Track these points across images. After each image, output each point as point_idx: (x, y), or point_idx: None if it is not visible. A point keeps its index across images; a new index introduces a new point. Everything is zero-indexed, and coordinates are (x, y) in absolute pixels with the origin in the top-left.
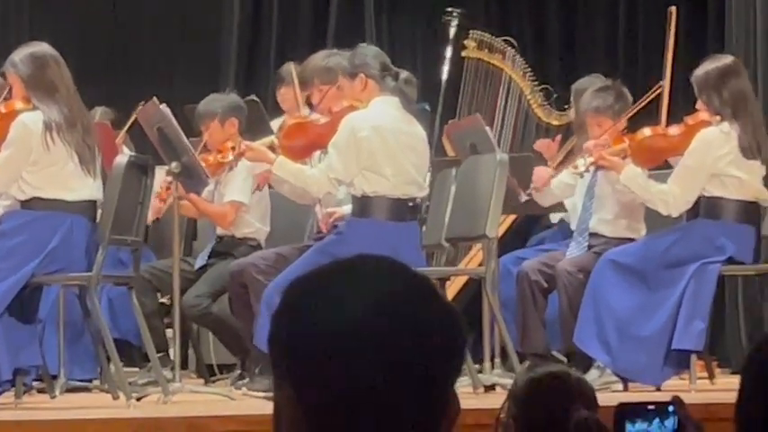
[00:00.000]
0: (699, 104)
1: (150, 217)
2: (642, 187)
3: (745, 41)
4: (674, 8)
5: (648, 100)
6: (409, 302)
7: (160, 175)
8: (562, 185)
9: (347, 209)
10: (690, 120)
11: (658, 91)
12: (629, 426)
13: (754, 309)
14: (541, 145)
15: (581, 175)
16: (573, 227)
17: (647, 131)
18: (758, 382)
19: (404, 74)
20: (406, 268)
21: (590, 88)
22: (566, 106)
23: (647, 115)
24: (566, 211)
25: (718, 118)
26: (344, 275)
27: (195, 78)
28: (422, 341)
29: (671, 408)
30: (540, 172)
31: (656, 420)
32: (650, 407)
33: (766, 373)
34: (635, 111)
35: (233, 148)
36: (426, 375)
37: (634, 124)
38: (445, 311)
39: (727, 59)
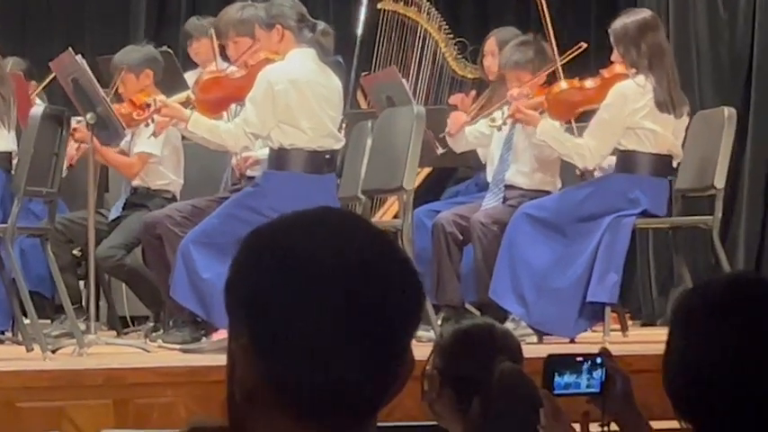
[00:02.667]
0: (614, 56)
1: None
2: (558, 141)
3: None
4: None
5: (569, 58)
6: (373, 256)
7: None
8: (477, 134)
9: (262, 153)
10: (606, 72)
11: (578, 51)
12: (557, 378)
13: (665, 261)
14: (456, 99)
15: (498, 128)
16: (489, 178)
17: (563, 84)
18: (684, 337)
19: (321, 25)
20: (368, 223)
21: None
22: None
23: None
24: (482, 168)
25: (633, 71)
26: (305, 226)
27: (105, 31)
28: (386, 294)
29: (599, 359)
30: (455, 117)
31: (585, 372)
32: (579, 359)
33: (692, 327)
34: (555, 68)
35: (148, 106)
36: (389, 328)
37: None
38: (406, 266)
39: (645, 13)
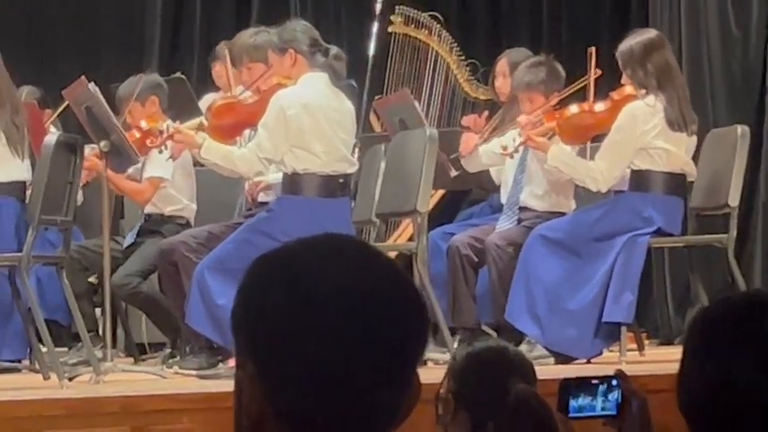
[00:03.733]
0: (624, 78)
1: None
2: (570, 166)
3: (669, 15)
4: (593, 49)
5: (581, 86)
6: (377, 282)
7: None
8: (491, 154)
9: (274, 178)
10: (615, 95)
11: (585, 83)
12: (572, 401)
13: (682, 280)
14: (469, 120)
15: (510, 156)
16: (503, 200)
17: (573, 108)
18: (699, 355)
19: (333, 50)
20: (373, 249)
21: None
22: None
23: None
24: (496, 190)
25: (643, 91)
26: (312, 254)
27: (120, 58)
28: (390, 321)
29: (614, 381)
30: (466, 138)
31: (600, 394)
32: (594, 381)
33: (707, 344)
34: (569, 93)
35: (161, 132)
36: (395, 355)
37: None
38: (411, 291)
39: (650, 33)
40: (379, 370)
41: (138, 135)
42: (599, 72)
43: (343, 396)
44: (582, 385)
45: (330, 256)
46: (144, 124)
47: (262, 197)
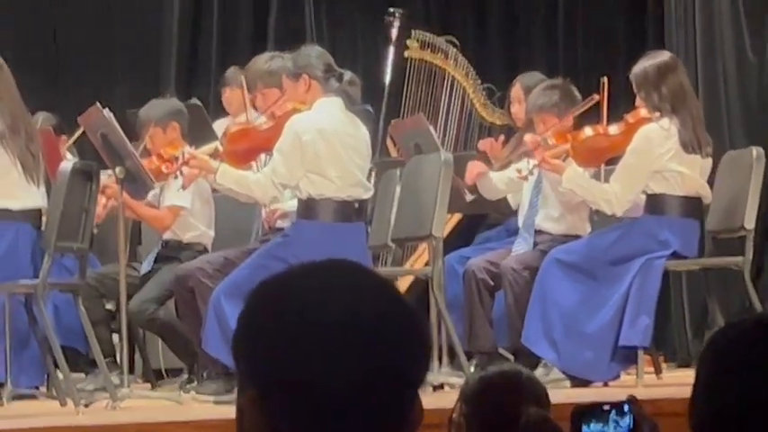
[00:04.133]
0: (638, 101)
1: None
2: (584, 189)
3: (685, 40)
4: (605, 79)
5: (589, 105)
6: (377, 307)
7: (104, 181)
8: (507, 180)
9: (290, 205)
10: (630, 117)
11: (593, 102)
12: (584, 428)
13: (699, 303)
14: (485, 144)
15: (525, 179)
16: (519, 224)
17: (588, 131)
18: (712, 376)
19: (347, 75)
20: (372, 272)
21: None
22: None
23: (590, 112)
24: (512, 214)
25: (657, 114)
26: (312, 279)
27: (136, 83)
28: (390, 345)
29: (626, 407)
30: (471, 167)
31: (612, 420)
32: (605, 407)
33: (720, 366)
34: (579, 111)
35: (176, 158)
36: (393, 379)
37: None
38: (412, 316)
39: (664, 56)
40: (381, 394)
41: (154, 161)
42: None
43: (344, 420)
44: (594, 411)
45: (330, 282)
46: (162, 151)
47: (278, 223)
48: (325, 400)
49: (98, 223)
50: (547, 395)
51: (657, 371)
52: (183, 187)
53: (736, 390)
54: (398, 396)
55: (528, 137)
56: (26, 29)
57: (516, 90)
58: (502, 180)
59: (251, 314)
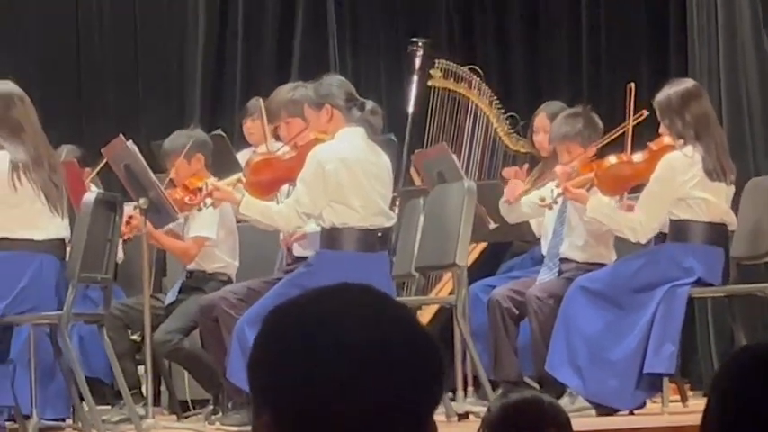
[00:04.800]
0: (662, 128)
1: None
2: (609, 217)
3: (708, 67)
4: (632, 85)
5: (620, 133)
6: (392, 331)
7: (128, 212)
8: (532, 205)
9: (309, 227)
10: (654, 145)
11: (622, 130)
12: None
13: (725, 330)
14: (509, 172)
15: (549, 207)
16: (543, 252)
17: (612, 159)
18: (723, 403)
19: (369, 104)
20: (388, 297)
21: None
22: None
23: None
24: (536, 243)
25: (681, 142)
26: (327, 303)
27: (161, 113)
28: (404, 369)
29: None
30: (512, 186)
31: None
32: None
33: (731, 393)
34: (606, 141)
35: (200, 190)
36: (407, 403)
37: (602, 148)
38: (425, 341)
39: (687, 83)
40: (394, 419)
41: (179, 192)
42: (643, 114)
43: None
44: None
45: (344, 306)
46: (187, 182)
47: (299, 251)
48: (338, 425)
49: (127, 239)
50: (569, 421)
51: (683, 398)
52: (214, 206)
53: (745, 415)
54: (412, 421)
55: (558, 168)
56: (50, 61)
57: (541, 119)
58: (525, 204)
59: (265, 339)
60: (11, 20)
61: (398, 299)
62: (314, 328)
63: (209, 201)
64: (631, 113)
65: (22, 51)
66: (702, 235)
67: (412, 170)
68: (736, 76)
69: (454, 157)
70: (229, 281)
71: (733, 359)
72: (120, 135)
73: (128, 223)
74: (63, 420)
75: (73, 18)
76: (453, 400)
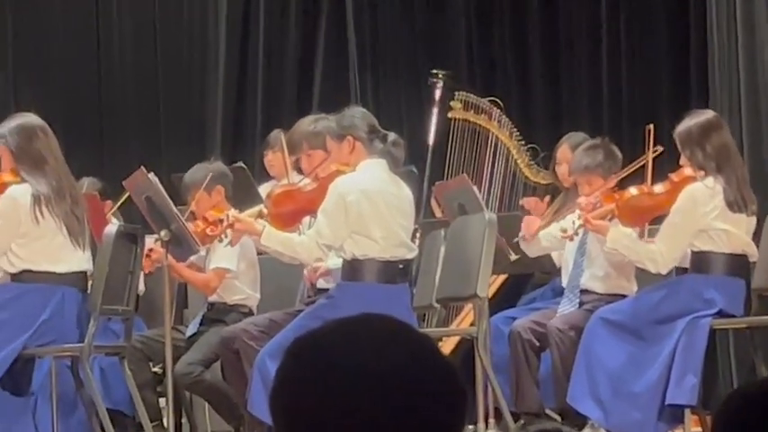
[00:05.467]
0: (682, 160)
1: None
2: (629, 248)
3: (729, 93)
4: (651, 126)
5: (639, 165)
6: (411, 361)
7: (149, 244)
8: (551, 238)
9: (333, 263)
10: (674, 176)
11: (642, 162)
12: None
13: (747, 361)
14: (529, 202)
15: (570, 239)
16: (564, 284)
17: (633, 191)
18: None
19: (391, 136)
20: (407, 327)
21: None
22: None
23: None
24: (557, 274)
25: (702, 173)
26: (348, 334)
27: (182, 146)
28: (425, 399)
29: None
30: (528, 221)
31: None
32: None
33: (735, 425)
34: (627, 173)
35: (221, 221)
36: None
37: (622, 180)
38: (447, 368)
39: (708, 114)
40: None
41: (200, 225)
42: (658, 150)
43: None
44: None
45: (364, 337)
46: (207, 214)
47: (321, 283)
48: None
49: (149, 273)
50: None
51: (705, 430)
52: (231, 245)
53: None
54: None
55: (582, 199)
56: (72, 94)
57: (563, 150)
58: (545, 237)
59: (286, 370)
60: (35, 52)
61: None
62: (334, 360)
63: (229, 233)
64: (650, 149)
65: (46, 84)
66: (723, 266)
67: (433, 201)
68: (757, 107)
69: (475, 188)
70: (250, 313)
71: (725, 404)
72: (142, 167)
73: (148, 257)
74: None
75: (95, 52)
76: None
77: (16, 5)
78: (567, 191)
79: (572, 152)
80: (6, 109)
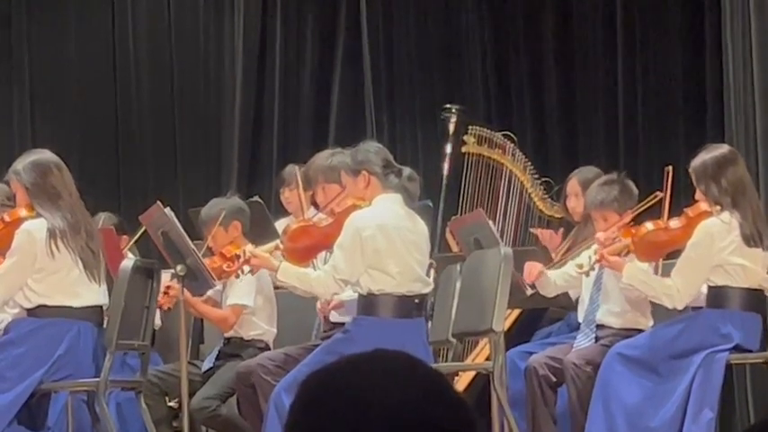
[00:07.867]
0: (698, 194)
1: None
2: (645, 284)
3: (745, 129)
4: (670, 168)
5: (654, 202)
6: (423, 397)
7: (165, 279)
8: (567, 277)
9: (346, 295)
10: (690, 211)
11: (657, 199)
12: None
13: (763, 396)
14: (544, 234)
15: (586, 274)
16: (580, 319)
17: (648, 226)
18: None
19: (406, 171)
20: (420, 363)
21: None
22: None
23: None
24: (573, 309)
25: (718, 208)
26: (362, 369)
27: (198, 181)
28: None
29: None
30: (529, 267)
31: None
32: None
33: None
34: (643, 209)
35: (237, 257)
36: None
37: (637, 215)
38: (458, 405)
39: (723, 149)
40: None
41: (216, 260)
42: (658, 195)
43: None
44: None
45: (379, 372)
46: (224, 250)
47: (336, 317)
48: None
49: (168, 309)
50: None
51: None
52: (252, 273)
53: None
54: None
55: (600, 235)
56: (89, 129)
57: (572, 184)
58: (561, 277)
59: (301, 405)
60: (52, 88)
61: (435, 365)
62: (349, 394)
63: (246, 268)
64: (668, 190)
65: (63, 120)
66: (740, 301)
67: (448, 235)
68: None
69: (491, 223)
70: (267, 348)
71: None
72: (158, 202)
73: (166, 293)
74: None
75: (112, 86)
76: None
77: (34, 40)
78: (579, 225)
79: (580, 186)
80: (24, 142)
